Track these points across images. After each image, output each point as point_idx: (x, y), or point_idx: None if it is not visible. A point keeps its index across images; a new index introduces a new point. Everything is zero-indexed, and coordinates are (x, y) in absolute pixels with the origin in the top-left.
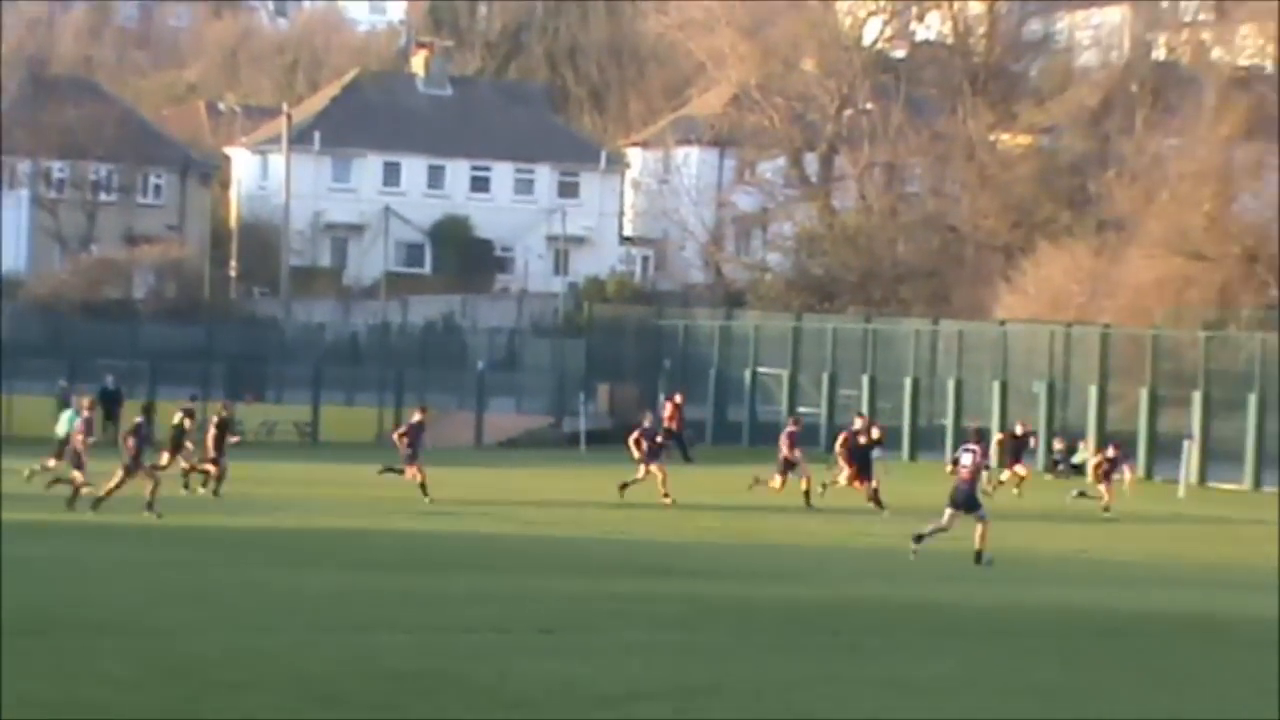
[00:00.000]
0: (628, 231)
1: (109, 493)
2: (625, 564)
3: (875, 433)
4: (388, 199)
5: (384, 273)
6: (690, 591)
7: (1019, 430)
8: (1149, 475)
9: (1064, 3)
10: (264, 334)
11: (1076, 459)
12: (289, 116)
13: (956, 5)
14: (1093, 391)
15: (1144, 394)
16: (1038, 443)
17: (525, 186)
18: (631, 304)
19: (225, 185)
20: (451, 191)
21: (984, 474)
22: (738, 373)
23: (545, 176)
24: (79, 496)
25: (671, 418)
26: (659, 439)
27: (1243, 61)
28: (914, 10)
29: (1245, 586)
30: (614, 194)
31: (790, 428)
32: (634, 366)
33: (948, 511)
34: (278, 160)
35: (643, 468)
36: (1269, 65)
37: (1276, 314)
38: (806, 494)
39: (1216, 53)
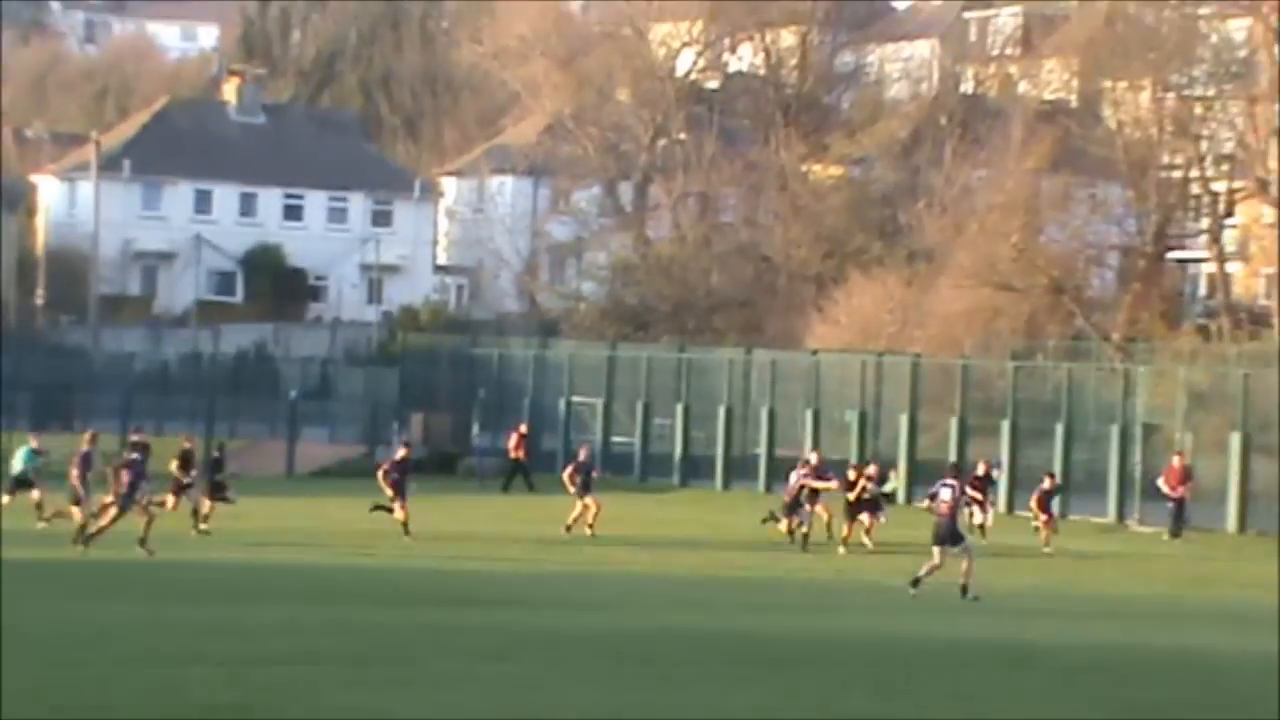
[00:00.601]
0: (442, 260)
1: (102, 530)
2: (438, 594)
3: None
4: (199, 227)
5: (195, 301)
6: (504, 621)
7: (981, 470)
8: None
9: (875, 35)
10: (71, 363)
11: (888, 487)
12: (98, 143)
13: (769, 37)
14: (903, 420)
15: (954, 423)
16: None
17: (339, 215)
18: (446, 333)
19: (32, 213)
20: (264, 219)
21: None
22: (552, 402)
23: (359, 205)
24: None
25: (517, 446)
26: (594, 472)
27: (1049, 95)
28: (727, 41)
29: (1053, 614)
30: (428, 222)
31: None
32: (448, 396)
33: (935, 549)
34: (87, 187)
35: (579, 502)
36: (1074, 99)
37: (1082, 344)
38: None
39: (1023, 86)
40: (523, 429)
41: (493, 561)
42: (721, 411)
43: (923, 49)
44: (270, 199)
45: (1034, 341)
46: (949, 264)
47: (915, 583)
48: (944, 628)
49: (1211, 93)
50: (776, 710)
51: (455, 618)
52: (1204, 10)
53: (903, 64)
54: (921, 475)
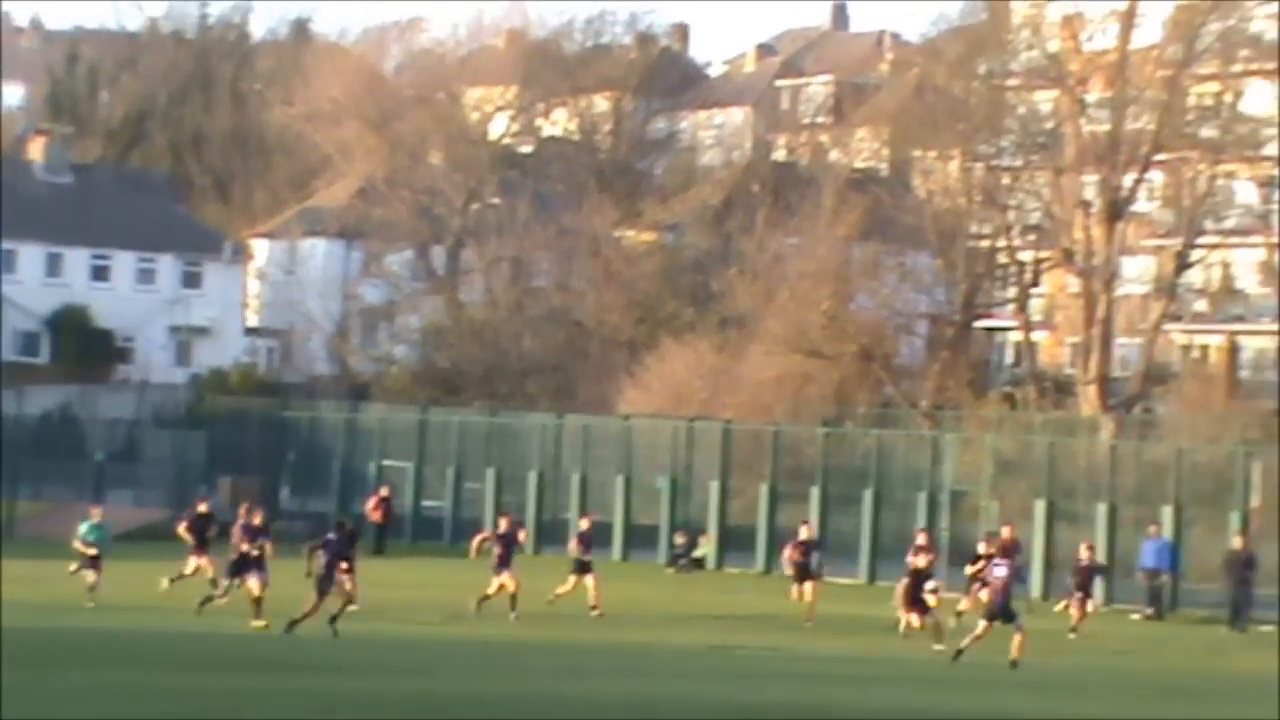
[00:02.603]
0: (252, 322)
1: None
2: (245, 658)
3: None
4: (4, 287)
5: None
6: (312, 686)
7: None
8: (768, 569)
9: (688, 102)
10: None
11: (698, 553)
12: None
13: (583, 102)
14: (714, 486)
15: (764, 489)
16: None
17: (147, 276)
18: (255, 395)
19: None
20: (71, 280)
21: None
22: (363, 465)
23: (168, 266)
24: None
25: (376, 508)
26: (517, 542)
27: (859, 164)
28: (541, 106)
29: (863, 680)
30: (238, 284)
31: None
32: (257, 459)
33: (981, 623)
34: None
35: (495, 578)
36: (884, 168)
37: (891, 412)
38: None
39: (834, 154)
40: (384, 492)
41: (305, 627)
42: (533, 476)
43: (735, 116)
44: (77, 259)
45: (844, 408)
46: (760, 330)
47: (957, 655)
48: (751, 691)
49: (1019, 163)
50: None
51: (262, 682)
52: (1011, 82)
53: (715, 131)
54: (732, 541)
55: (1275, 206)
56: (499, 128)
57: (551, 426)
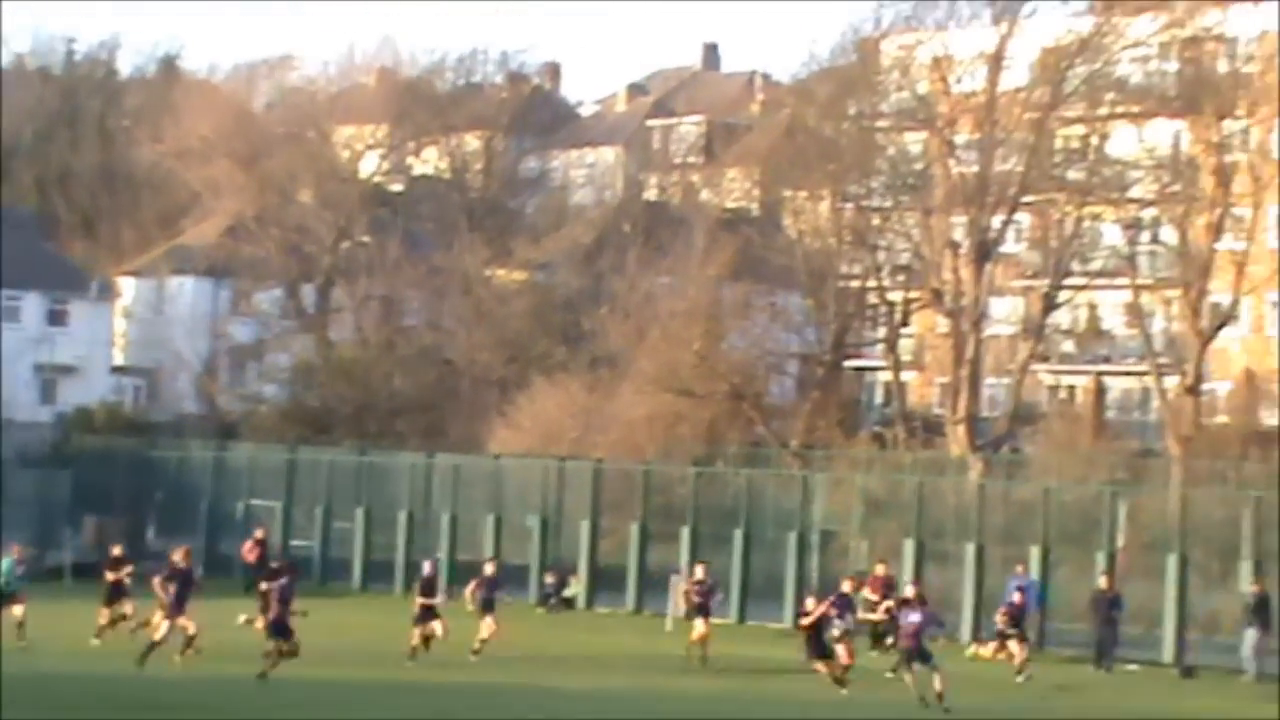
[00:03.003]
0: (119, 361)
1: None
2: (109, 698)
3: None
4: None
5: None
6: None
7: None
8: (639, 609)
9: (560, 141)
10: None
11: (569, 592)
12: None
13: (454, 141)
14: (585, 526)
15: (635, 528)
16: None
17: (12, 314)
18: (122, 434)
19: None
20: None
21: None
22: (231, 505)
23: (33, 304)
24: None
25: (252, 549)
26: (498, 590)
27: (730, 204)
28: (412, 145)
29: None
30: (105, 322)
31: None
32: (124, 498)
33: (905, 674)
34: None
35: (480, 621)
36: (755, 208)
37: (761, 451)
38: None
39: (705, 194)
40: (259, 534)
41: (164, 667)
42: (403, 516)
43: (607, 155)
44: None
45: (715, 448)
46: (631, 370)
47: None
48: None
49: (888, 204)
50: None
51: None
52: (881, 123)
53: (587, 170)
54: (602, 581)
55: (1141, 248)
56: (369, 166)
57: (422, 465)
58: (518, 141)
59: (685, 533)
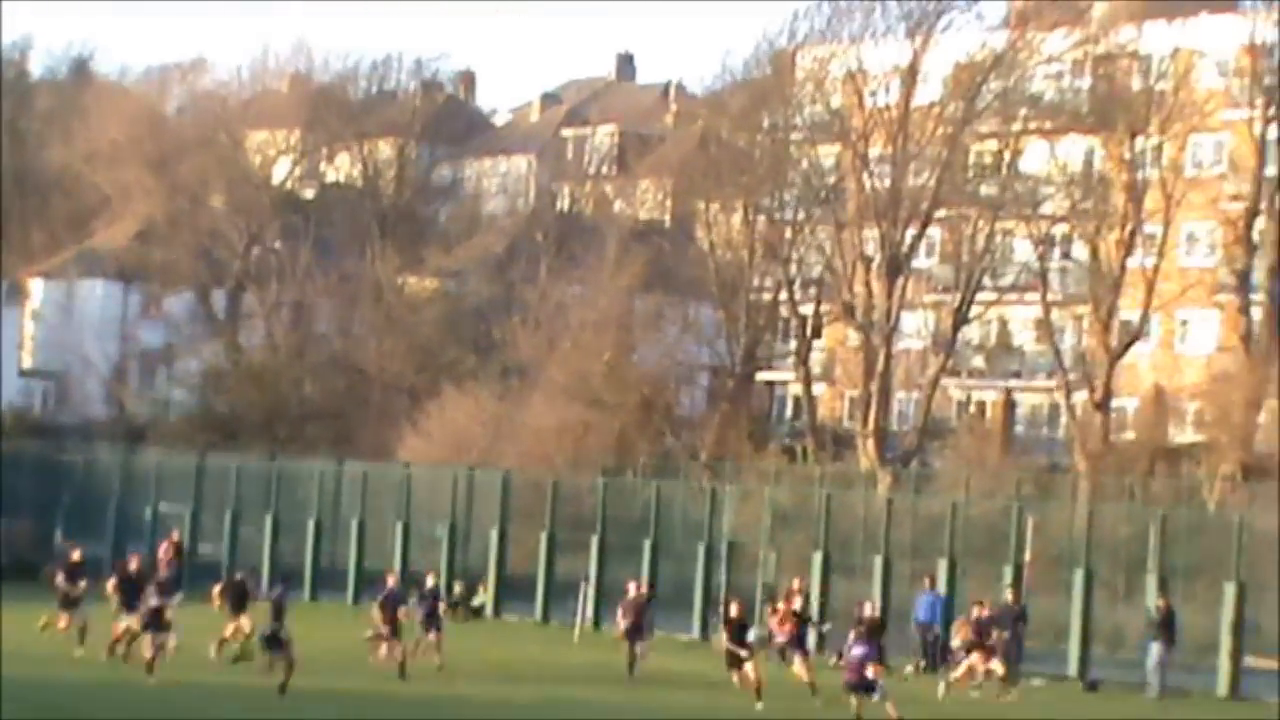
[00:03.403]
0: (27, 364)
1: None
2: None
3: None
4: None
5: None
6: None
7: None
8: (546, 618)
9: (472, 149)
10: None
11: (476, 601)
12: None
13: (366, 147)
14: (493, 535)
15: (544, 537)
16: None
17: None
18: (29, 438)
19: None
20: None
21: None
22: (139, 509)
23: None
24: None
25: (168, 553)
26: (440, 601)
27: (643, 215)
28: (324, 151)
29: None
30: (13, 325)
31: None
32: (31, 502)
33: (852, 700)
34: None
35: (431, 634)
36: (668, 219)
37: (671, 462)
38: None
39: (618, 205)
40: (175, 537)
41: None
42: (311, 523)
43: (520, 164)
44: None
45: (624, 458)
46: (542, 379)
47: None
48: None
49: (801, 217)
50: None
51: None
52: (795, 136)
53: (500, 179)
54: (510, 589)
55: (1052, 264)
56: (281, 172)
57: (331, 473)
58: (430, 149)
59: (594, 542)
